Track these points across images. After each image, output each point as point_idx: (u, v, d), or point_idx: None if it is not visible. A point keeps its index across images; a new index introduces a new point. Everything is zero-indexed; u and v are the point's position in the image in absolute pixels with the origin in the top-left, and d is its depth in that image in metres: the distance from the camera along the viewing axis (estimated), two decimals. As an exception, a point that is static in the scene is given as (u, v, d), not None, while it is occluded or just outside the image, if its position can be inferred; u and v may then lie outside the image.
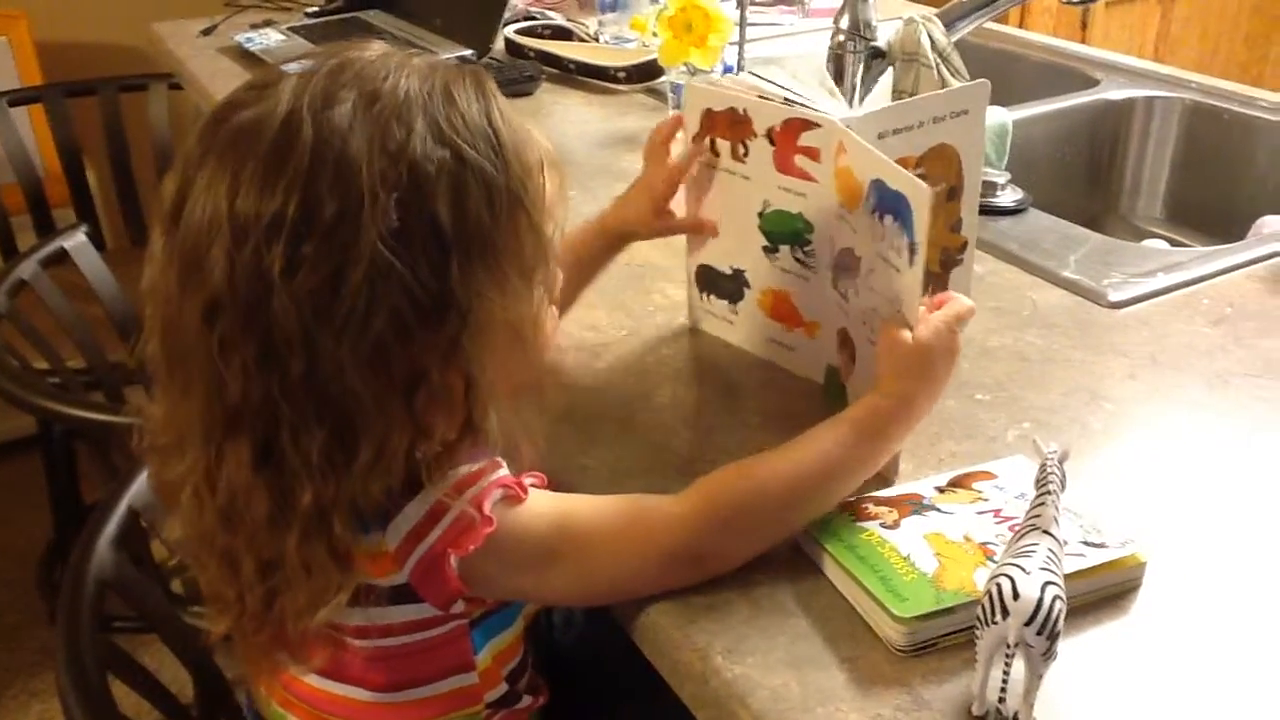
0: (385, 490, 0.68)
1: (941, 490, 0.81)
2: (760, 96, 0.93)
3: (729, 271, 1.03)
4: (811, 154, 0.91)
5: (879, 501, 0.79)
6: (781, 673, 0.70)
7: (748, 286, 1.02)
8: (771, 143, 0.93)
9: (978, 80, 0.88)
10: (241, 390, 0.65)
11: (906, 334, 0.80)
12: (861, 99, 1.33)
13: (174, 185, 0.68)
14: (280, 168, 0.64)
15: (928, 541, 0.74)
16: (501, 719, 0.84)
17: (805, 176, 0.92)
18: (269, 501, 0.67)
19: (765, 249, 0.99)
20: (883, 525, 0.76)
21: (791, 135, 0.91)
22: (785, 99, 0.92)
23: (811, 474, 0.77)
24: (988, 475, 0.82)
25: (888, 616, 0.70)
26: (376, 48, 0.71)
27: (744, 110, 0.94)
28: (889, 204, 0.79)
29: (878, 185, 0.81)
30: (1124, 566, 0.74)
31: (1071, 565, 0.69)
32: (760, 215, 0.97)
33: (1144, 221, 1.70)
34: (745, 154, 0.96)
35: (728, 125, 0.96)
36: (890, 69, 1.30)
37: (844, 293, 0.91)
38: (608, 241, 1.05)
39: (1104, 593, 0.74)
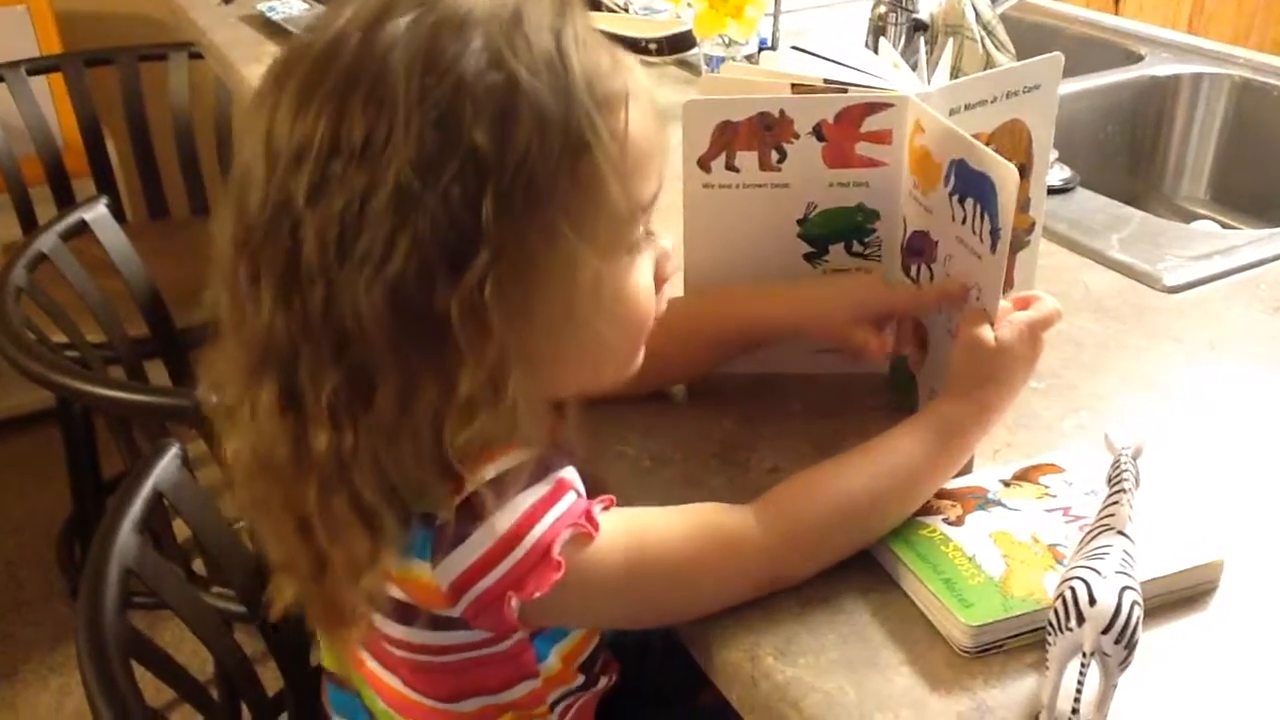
0: (413, 457, 0.62)
1: (1007, 484, 0.77)
2: (795, 86, 0.85)
3: None
4: (879, 138, 0.84)
5: (941, 494, 0.76)
6: (836, 675, 0.67)
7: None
8: (820, 138, 0.85)
9: (1051, 54, 0.84)
10: (267, 324, 0.61)
11: (988, 334, 0.75)
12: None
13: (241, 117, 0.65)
14: (316, 86, 0.59)
15: (994, 541, 0.71)
16: (579, 702, 0.80)
17: (870, 163, 0.85)
18: (290, 449, 0.63)
19: (808, 256, 0.91)
20: (946, 521, 0.73)
21: (851, 124, 0.84)
22: (836, 81, 0.85)
23: (891, 486, 0.73)
24: (1055, 469, 0.78)
25: (954, 618, 0.66)
26: None
27: (779, 111, 0.84)
28: (971, 186, 0.75)
29: (959, 166, 0.76)
30: (1201, 568, 0.70)
31: (1147, 569, 0.66)
32: (801, 223, 0.90)
33: (1188, 202, 1.65)
34: (781, 160, 0.86)
35: (753, 134, 0.85)
36: (950, 44, 1.25)
37: (915, 278, 0.87)
38: (764, 333, 0.90)
39: (1180, 595, 0.70)
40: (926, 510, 0.74)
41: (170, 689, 0.92)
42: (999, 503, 0.75)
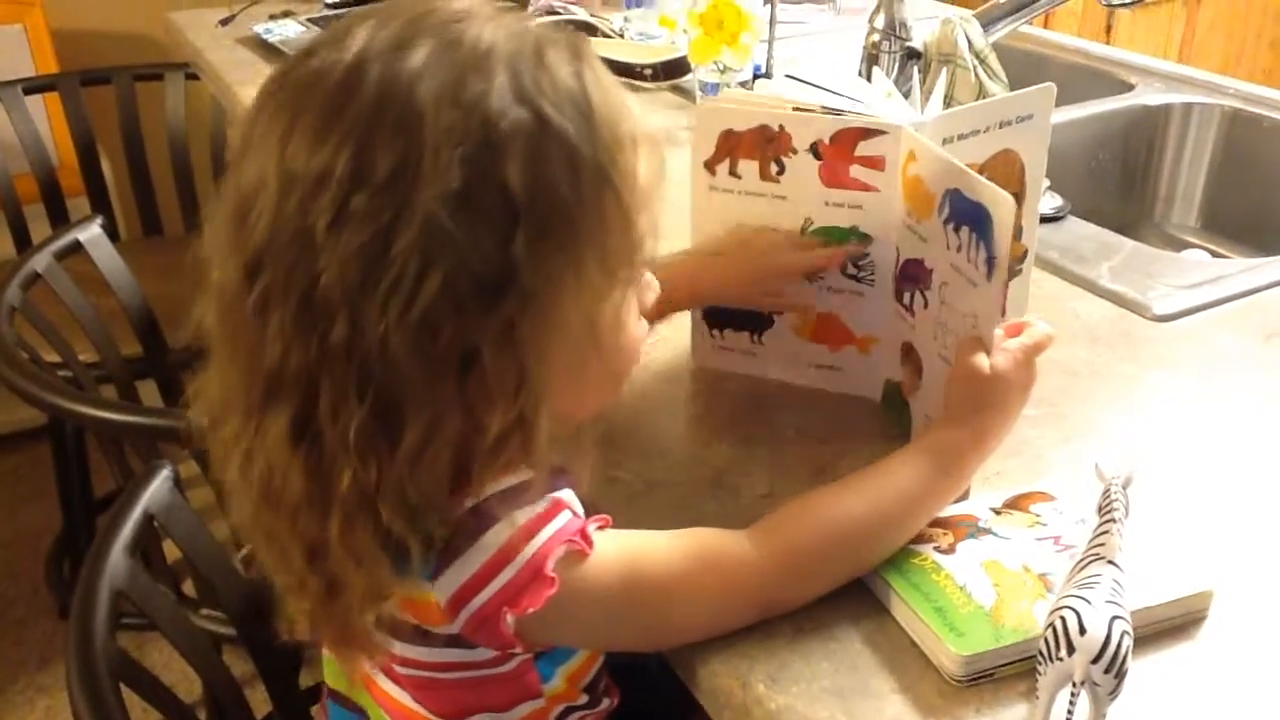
0: (435, 484, 0.62)
1: (998, 512, 0.77)
2: (796, 108, 0.87)
3: None
4: (873, 163, 0.85)
5: (933, 522, 0.76)
6: (828, 704, 0.67)
7: (778, 313, 0.96)
8: (817, 156, 0.87)
9: (1044, 84, 0.85)
10: (280, 355, 0.60)
11: (983, 362, 0.76)
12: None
13: (238, 137, 0.63)
14: (337, 115, 0.58)
15: (985, 570, 0.71)
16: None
17: (863, 187, 0.87)
18: (305, 481, 0.62)
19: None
20: (937, 549, 0.73)
21: (846, 146, 0.86)
22: (831, 107, 0.87)
23: (890, 513, 0.73)
24: (1045, 497, 0.79)
25: (945, 647, 0.66)
26: (467, 0, 0.64)
27: (779, 126, 0.87)
28: (966, 215, 0.75)
29: (953, 195, 0.77)
30: (1190, 598, 0.71)
31: (1137, 598, 0.66)
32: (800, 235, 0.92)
33: (1179, 230, 1.66)
34: (780, 172, 0.89)
35: (755, 145, 0.89)
36: (943, 73, 1.26)
37: (909, 305, 0.87)
38: (689, 301, 0.96)
39: (1169, 624, 0.70)
40: (918, 538, 0.75)
41: (157, 711, 0.92)
42: (990, 531, 0.75)
